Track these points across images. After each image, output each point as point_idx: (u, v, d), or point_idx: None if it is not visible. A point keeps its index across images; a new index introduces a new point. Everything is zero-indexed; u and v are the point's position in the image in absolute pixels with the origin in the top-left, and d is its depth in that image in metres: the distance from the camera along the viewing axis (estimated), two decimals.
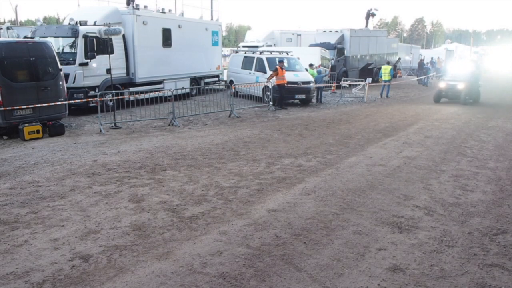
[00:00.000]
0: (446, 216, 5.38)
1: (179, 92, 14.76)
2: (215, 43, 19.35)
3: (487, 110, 16.09)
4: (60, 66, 10.74)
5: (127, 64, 14.45)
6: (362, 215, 5.34)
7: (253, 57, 17.60)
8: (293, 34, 28.65)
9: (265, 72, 16.33)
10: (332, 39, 24.73)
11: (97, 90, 12.79)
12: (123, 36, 13.93)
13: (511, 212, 5.56)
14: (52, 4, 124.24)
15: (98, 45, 12.78)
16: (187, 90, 16.29)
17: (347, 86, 20.73)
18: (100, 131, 10.78)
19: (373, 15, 30.64)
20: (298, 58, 17.95)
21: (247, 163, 7.82)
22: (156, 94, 13.29)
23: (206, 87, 18.67)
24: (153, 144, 9.44)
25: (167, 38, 15.96)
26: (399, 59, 32.41)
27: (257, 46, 23.53)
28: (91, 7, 15.72)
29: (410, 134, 10.90)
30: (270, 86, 15.47)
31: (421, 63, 30.83)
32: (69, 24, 13.53)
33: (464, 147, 9.46)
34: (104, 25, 12.32)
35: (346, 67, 24.78)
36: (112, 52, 13.06)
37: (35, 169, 7.37)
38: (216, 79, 19.94)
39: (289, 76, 15.57)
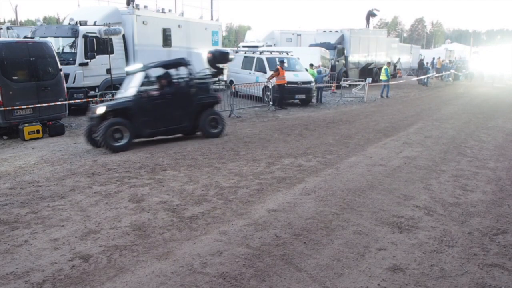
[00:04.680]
0: (446, 216, 5.38)
1: None
2: (215, 43, 19.35)
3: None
4: (60, 66, 10.75)
5: (127, 64, 14.44)
6: (362, 215, 5.34)
7: (253, 57, 17.59)
8: (293, 34, 28.64)
9: (265, 72, 16.33)
10: (332, 39, 24.72)
11: (97, 90, 12.80)
12: (123, 36, 13.94)
13: (511, 212, 5.55)
14: (52, 4, 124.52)
15: (98, 45, 12.79)
16: None
17: (347, 86, 20.74)
18: None
19: (374, 15, 30.65)
20: (298, 58, 17.95)
21: (247, 163, 7.82)
22: None
23: None
24: (153, 144, 9.44)
25: (167, 38, 15.96)
26: (399, 59, 32.44)
27: (257, 46, 23.53)
28: (91, 7, 15.74)
29: (410, 134, 10.90)
30: (270, 86, 15.47)
31: (421, 63, 30.88)
32: (69, 24, 13.55)
33: (464, 147, 9.46)
34: (104, 25, 12.33)
35: (346, 67, 24.78)
36: (112, 52, 13.07)
37: (35, 169, 7.38)
38: (216, 79, 19.91)
39: (289, 76, 15.58)
